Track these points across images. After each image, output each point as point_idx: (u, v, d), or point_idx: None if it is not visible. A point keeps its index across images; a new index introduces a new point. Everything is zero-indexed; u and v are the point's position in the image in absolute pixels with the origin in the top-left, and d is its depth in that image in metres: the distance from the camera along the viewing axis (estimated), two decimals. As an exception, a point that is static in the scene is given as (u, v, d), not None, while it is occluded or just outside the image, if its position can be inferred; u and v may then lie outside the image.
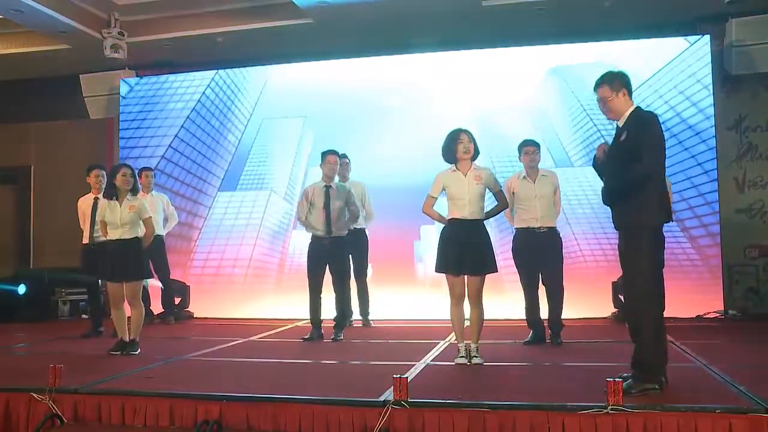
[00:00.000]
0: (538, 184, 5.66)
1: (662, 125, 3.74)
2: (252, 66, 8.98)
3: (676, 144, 7.51)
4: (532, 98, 8.09)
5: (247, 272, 8.66)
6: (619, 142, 3.73)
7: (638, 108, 3.80)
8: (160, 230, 7.30)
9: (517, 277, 5.70)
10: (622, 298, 6.92)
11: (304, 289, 6.22)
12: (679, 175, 7.46)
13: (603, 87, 3.80)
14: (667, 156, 3.80)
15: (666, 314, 3.58)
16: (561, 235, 5.78)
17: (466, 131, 4.72)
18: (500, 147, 7.69)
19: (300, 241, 8.23)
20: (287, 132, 8.83)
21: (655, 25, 7.94)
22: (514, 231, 5.76)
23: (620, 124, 3.78)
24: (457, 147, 4.67)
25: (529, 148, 5.70)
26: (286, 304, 7.94)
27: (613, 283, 7.13)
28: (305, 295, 6.18)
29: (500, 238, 7.03)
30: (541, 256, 5.58)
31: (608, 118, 3.90)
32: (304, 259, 6.28)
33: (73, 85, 9.36)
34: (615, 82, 3.77)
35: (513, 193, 5.71)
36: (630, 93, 3.79)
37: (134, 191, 5.44)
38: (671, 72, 7.68)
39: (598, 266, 7.57)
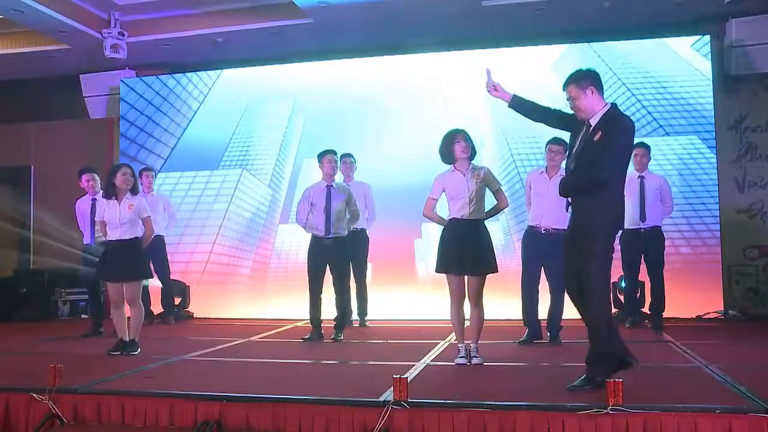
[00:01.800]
0: (553, 182, 5.49)
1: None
2: (252, 66, 8.98)
3: (676, 144, 7.45)
4: (543, 86, 8.00)
5: (205, 268, 8.65)
6: (593, 142, 3.65)
7: (613, 108, 3.73)
8: (161, 230, 7.30)
9: None
10: (621, 297, 6.91)
11: (302, 289, 6.21)
12: (679, 176, 7.43)
13: (570, 86, 3.74)
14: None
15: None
16: None
17: (462, 131, 4.70)
18: (512, 140, 7.63)
19: (289, 237, 8.24)
20: (276, 120, 8.86)
21: (655, 25, 7.93)
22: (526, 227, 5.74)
23: (593, 122, 3.70)
24: (455, 147, 4.65)
25: (553, 146, 5.57)
26: (285, 304, 7.89)
27: (613, 284, 7.11)
28: (303, 295, 6.17)
29: (517, 232, 6.98)
30: (543, 258, 5.53)
31: (579, 118, 3.79)
32: (294, 256, 6.24)
33: (73, 85, 9.37)
34: (582, 80, 3.71)
35: (530, 187, 5.67)
36: (600, 91, 3.71)
37: (134, 191, 5.43)
38: (671, 72, 7.67)
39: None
